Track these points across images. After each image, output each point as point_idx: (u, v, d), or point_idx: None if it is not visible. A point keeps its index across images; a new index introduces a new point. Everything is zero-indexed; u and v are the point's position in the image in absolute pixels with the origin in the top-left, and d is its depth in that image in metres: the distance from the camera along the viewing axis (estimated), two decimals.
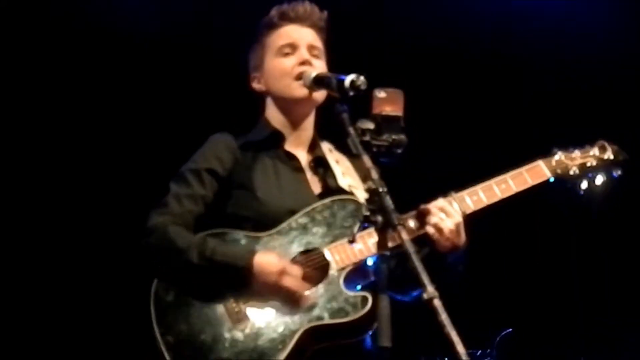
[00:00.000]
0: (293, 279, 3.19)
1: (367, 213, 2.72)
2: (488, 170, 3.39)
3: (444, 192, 3.37)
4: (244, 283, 3.19)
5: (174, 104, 5.37)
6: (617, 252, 5.65)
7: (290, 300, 3.19)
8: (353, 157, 3.38)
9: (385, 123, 2.83)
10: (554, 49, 5.42)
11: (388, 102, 2.86)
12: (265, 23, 3.56)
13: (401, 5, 5.33)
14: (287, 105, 3.51)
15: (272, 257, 3.22)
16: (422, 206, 3.32)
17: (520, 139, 5.53)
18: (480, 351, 5.33)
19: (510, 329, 5.33)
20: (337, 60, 3.52)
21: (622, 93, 5.47)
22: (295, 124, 3.53)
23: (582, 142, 3.54)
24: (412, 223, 3.30)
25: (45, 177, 5.32)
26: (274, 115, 3.55)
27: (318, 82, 3.27)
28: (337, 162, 3.46)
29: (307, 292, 3.20)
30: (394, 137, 2.82)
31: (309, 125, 3.55)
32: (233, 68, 3.66)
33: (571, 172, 3.47)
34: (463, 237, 3.30)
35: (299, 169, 3.51)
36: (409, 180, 3.14)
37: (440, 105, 5.53)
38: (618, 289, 5.64)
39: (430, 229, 3.27)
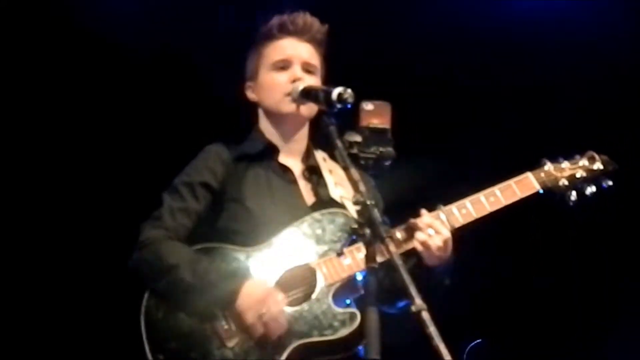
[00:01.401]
0: (276, 304, 3.18)
1: (355, 226, 2.70)
2: (488, 170, 3.37)
3: (443, 193, 3.35)
4: (231, 302, 3.20)
5: (168, 109, 5.33)
6: (618, 253, 5.62)
7: (268, 326, 3.18)
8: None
9: (372, 135, 2.84)
10: (554, 49, 5.41)
11: (375, 115, 2.86)
12: (264, 33, 3.54)
13: (402, 6, 5.34)
14: (277, 120, 3.51)
15: (261, 282, 3.23)
16: (412, 220, 3.30)
17: (519, 139, 5.50)
18: None
19: (480, 340, 5.32)
20: (337, 58, 3.51)
21: (622, 93, 5.45)
22: (287, 136, 3.52)
23: (581, 143, 3.51)
24: (400, 236, 3.28)
25: (36, 182, 5.25)
26: (266, 126, 3.54)
27: (305, 95, 3.26)
28: (330, 171, 3.44)
29: (284, 321, 3.19)
30: (381, 149, 2.83)
31: (302, 136, 3.54)
32: (228, 74, 3.66)
33: (560, 184, 3.43)
34: (450, 250, 3.28)
35: (292, 181, 3.49)
36: (409, 180, 3.12)
37: (439, 105, 5.52)
38: (618, 291, 5.60)
39: (418, 246, 3.26)
